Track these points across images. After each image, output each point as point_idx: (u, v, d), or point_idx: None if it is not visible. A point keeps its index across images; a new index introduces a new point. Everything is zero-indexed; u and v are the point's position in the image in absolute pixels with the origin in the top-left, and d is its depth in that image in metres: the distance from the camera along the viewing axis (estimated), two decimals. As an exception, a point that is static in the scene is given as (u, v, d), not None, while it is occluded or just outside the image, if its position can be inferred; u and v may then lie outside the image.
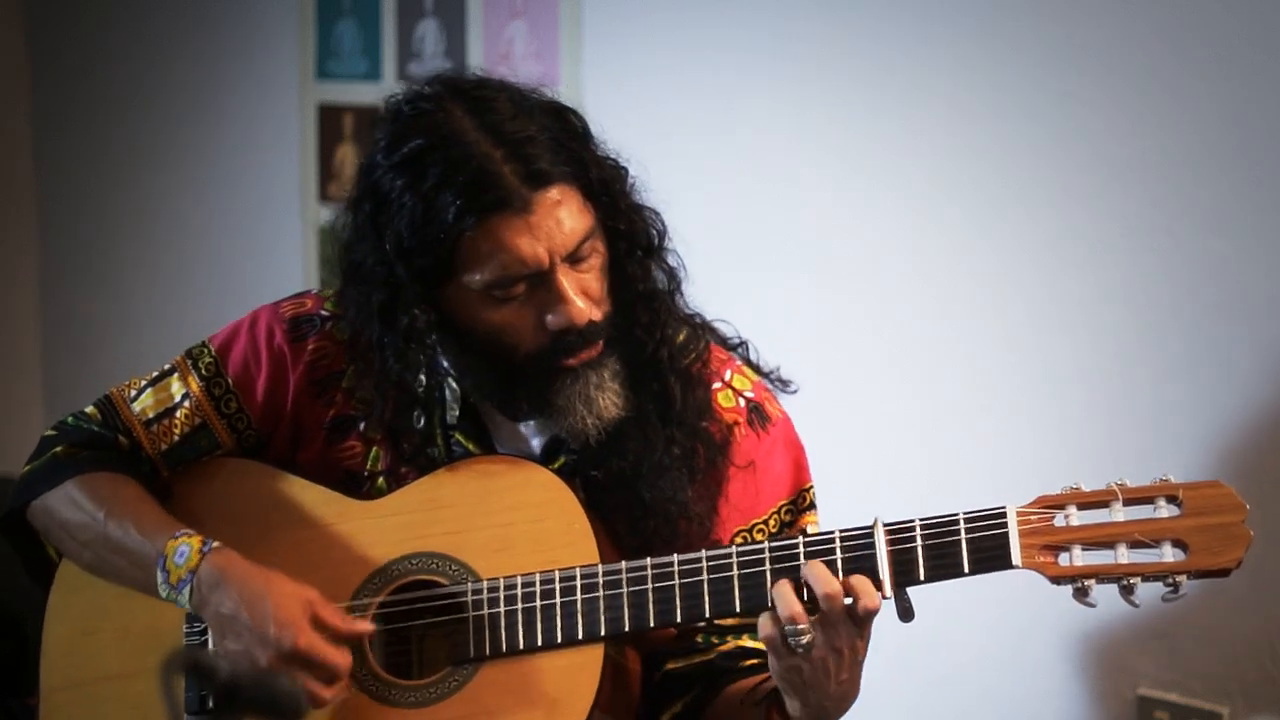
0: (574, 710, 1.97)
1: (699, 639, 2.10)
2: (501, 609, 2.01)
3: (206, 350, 2.19)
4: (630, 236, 2.05)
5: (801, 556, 1.93)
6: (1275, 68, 2.68)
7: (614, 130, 2.08)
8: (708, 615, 1.97)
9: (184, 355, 2.20)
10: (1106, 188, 2.85)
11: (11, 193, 4.47)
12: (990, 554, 1.89)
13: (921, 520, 1.92)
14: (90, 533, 2.12)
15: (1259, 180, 2.71)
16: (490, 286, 1.97)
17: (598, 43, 3.44)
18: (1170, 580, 1.85)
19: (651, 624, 1.98)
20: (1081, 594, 1.87)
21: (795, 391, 2.16)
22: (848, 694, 1.96)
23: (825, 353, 3.12)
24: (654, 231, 2.09)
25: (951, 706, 3.08)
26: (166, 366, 2.21)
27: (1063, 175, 2.90)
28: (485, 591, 2.02)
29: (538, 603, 2.00)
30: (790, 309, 3.19)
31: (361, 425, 2.14)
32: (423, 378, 2.07)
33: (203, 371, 2.18)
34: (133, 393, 2.21)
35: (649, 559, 1.99)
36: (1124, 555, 1.86)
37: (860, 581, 1.89)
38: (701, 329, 2.15)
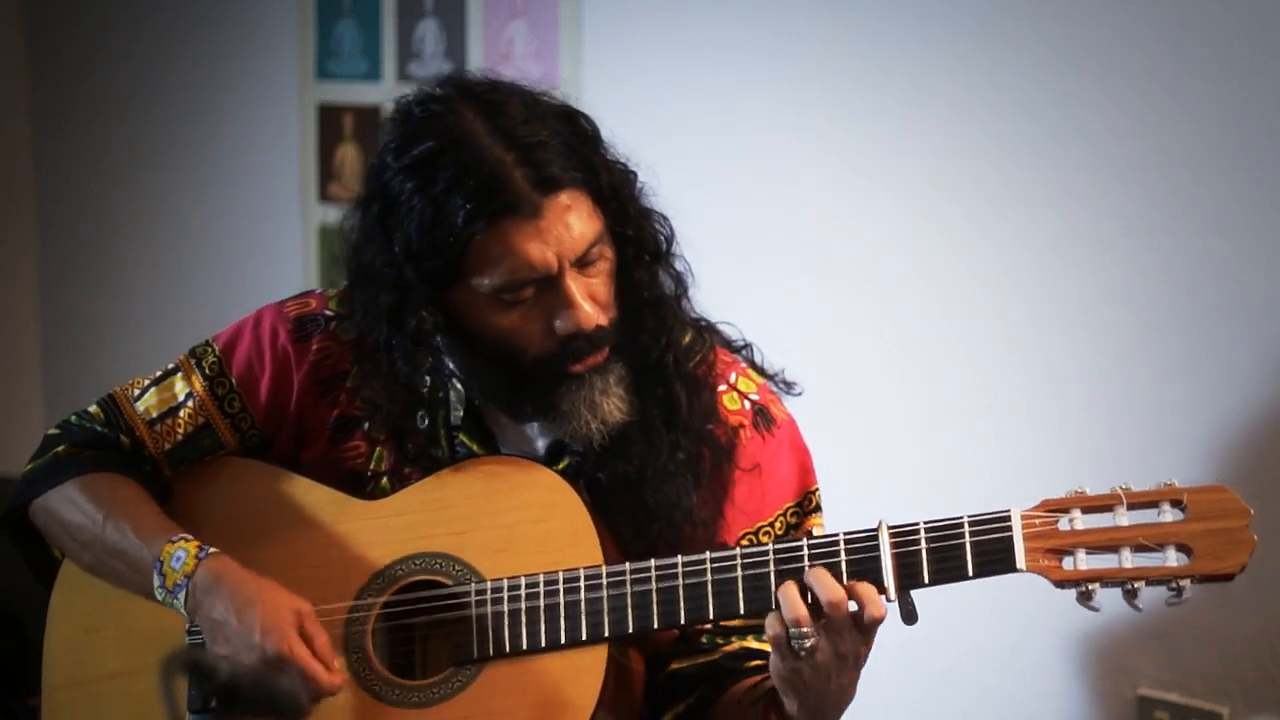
0: (578, 711, 1.97)
1: (703, 639, 2.10)
2: (505, 609, 2.01)
3: (210, 350, 2.19)
4: (638, 242, 2.05)
5: (806, 559, 1.93)
6: (1275, 68, 2.68)
7: (614, 130, 2.08)
8: (711, 617, 1.97)
9: (187, 355, 2.20)
10: (1106, 188, 2.85)
11: (11, 193, 4.47)
12: (995, 557, 1.89)
13: (926, 523, 1.92)
14: (89, 534, 2.12)
15: (1259, 180, 2.72)
16: (499, 290, 1.97)
17: (598, 43, 3.44)
18: (1174, 585, 1.85)
19: (655, 625, 1.98)
20: (1085, 598, 1.87)
21: (800, 394, 2.16)
22: (846, 695, 1.96)
23: (825, 353, 3.12)
24: (662, 237, 2.09)
25: (951, 705, 3.08)
26: (170, 366, 2.21)
27: (1063, 175, 2.90)
28: (489, 592, 2.02)
29: (541, 603, 2.00)
30: (790, 309, 3.19)
31: (365, 425, 2.14)
32: (428, 379, 2.07)
33: (206, 371, 2.18)
34: (136, 392, 2.21)
35: (652, 560, 1.99)
36: (1128, 560, 1.86)
37: (866, 589, 1.89)
38: (706, 331, 2.15)
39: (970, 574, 1.90)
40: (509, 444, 2.13)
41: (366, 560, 2.08)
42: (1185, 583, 1.85)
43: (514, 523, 2.04)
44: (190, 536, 2.06)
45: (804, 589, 1.90)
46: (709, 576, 1.96)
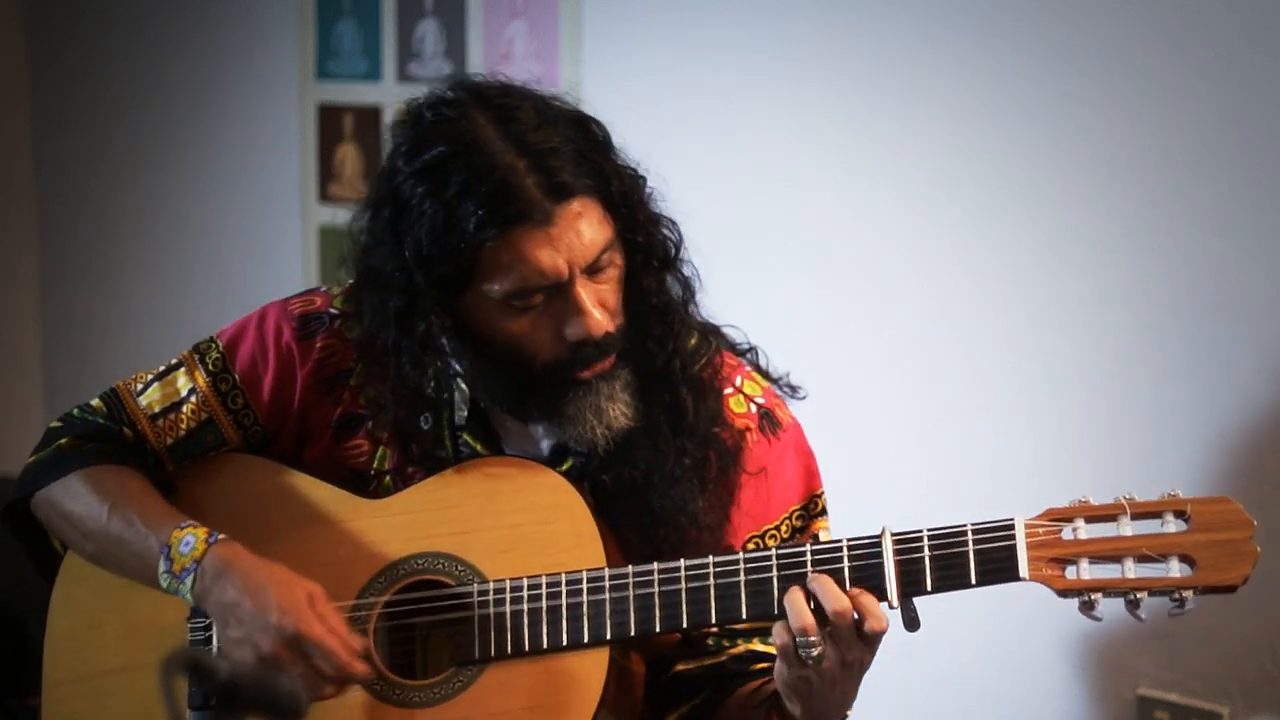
0: (579, 713, 1.97)
1: (710, 641, 2.10)
2: (508, 610, 2.01)
3: (214, 346, 2.19)
4: (648, 249, 2.05)
5: (809, 564, 1.93)
6: (1275, 68, 2.68)
7: (614, 130, 2.08)
8: (714, 621, 1.97)
9: (191, 350, 2.20)
10: (1106, 188, 2.85)
11: (11, 193, 4.47)
12: (998, 566, 1.89)
13: (929, 530, 1.92)
14: (93, 524, 2.11)
15: (1259, 180, 2.72)
16: (509, 296, 1.97)
17: (598, 43, 3.44)
18: (1176, 596, 1.85)
19: (657, 629, 1.98)
20: (1088, 607, 1.87)
21: (804, 398, 2.16)
22: (848, 698, 1.97)
23: (825, 353, 3.12)
24: (671, 243, 2.08)
25: (952, 706, 3.08)
26: (173, 361, 2.21)
27: (1063, 175, 2.90)
28: (491, 592, 2.02)
29: (544, 605, 2.00)
30: (790, 309, 3.19)
31: (369, 424, 2.14)
32: (433, 381, 2.07)
33: (210, 367, 2.18)
34: (139, 386, 2.20)
35: (655, 564, 1.99)
36: (1131, 570, 1.87)
37: (868, 601, 1.89)
38: (712, 334, 2.15)
39: (973, 582, 1.90)
40: (513, 444, 2.13)
41: (369, 559, 2.08)
42: (1188, 594, 1.85)
43: (518, 524, 2.04)
44: (198, 523, 2.06)
45: (809, 596, 1.90)
46: (711, 580, 1.96)
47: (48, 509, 2.17)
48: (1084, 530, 1.88)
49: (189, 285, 4.23)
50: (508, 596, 2.02)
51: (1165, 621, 2.78)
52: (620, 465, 2.05)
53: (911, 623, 1.92)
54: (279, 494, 2.15)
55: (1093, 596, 1.87)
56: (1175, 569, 1.86)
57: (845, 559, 1.92)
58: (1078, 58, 2.86)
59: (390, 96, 3.74)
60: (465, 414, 2.11)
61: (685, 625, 1.98)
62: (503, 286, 1.96)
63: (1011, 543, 1.89)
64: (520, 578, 2.02)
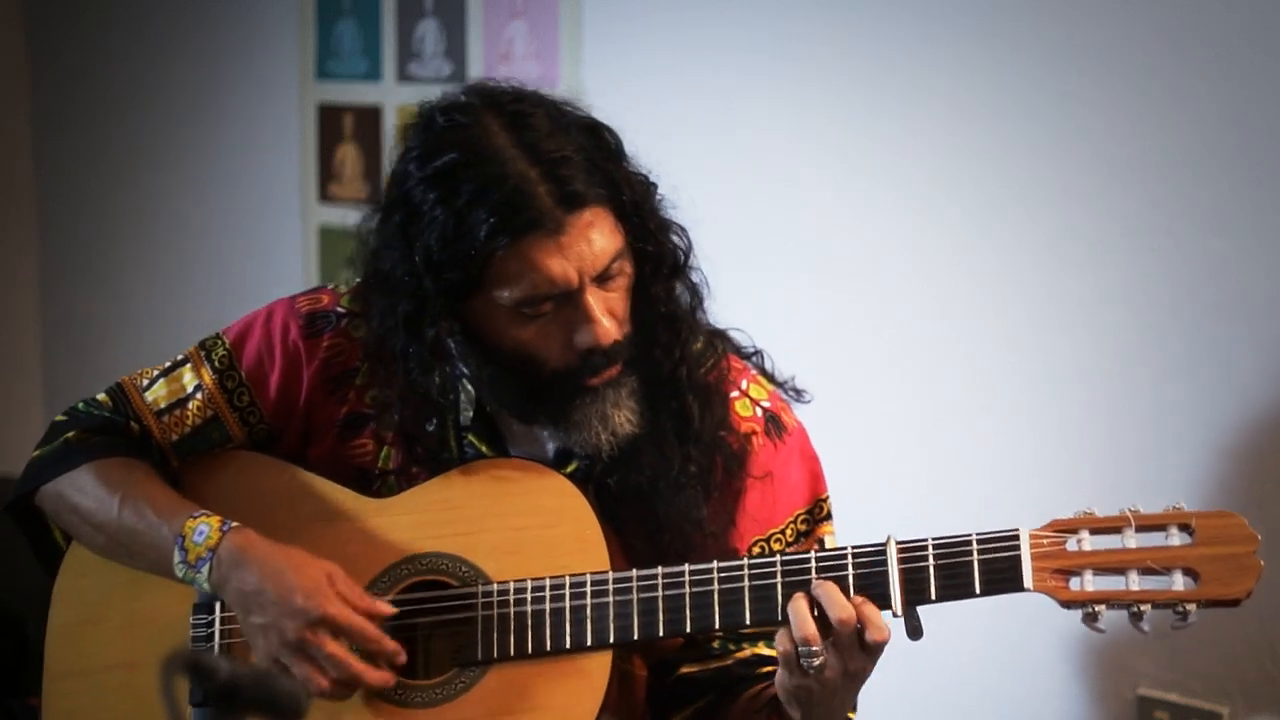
0: (581, 716, 1.97)
1: (715, 644, 2.10)
2: (511, 612, 2.01)
3: (221, 343, 2.19)
4: (657, 257, 2.05)
5: (813, 571, 1.93)
6: (1275, 68, 2.68)
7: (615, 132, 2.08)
8: (717, 626, 1.97)
9: (197, 346, 2.20)
10: (1106, 188, 2.85)
11: (11, 193, 4.47)
12: (1002, 576, 1.89)
13: (934, 540, 1.92)
14: (104, 516, 2.11)
15: (1259, 180, 2.72)
16: (519, 304, 1.96)
17: (598, 43, 3.44)
18: (1179, 609, 1.85)
19: (661, 633, 1.98)
20: (1091, 619, 1.87)
21: (810, 401, 2.16)
22: (848, 704, 1.99)
23: (825, 353, 3.12)
24: (680, 251, 2.08)
25: (951, 706, 3.08)
26: (179, 357, 2.21)
27: (1063, 175, 2.90)
28: (495, 594, 2.02)
29: (547, 607, 2.00)
30: (790, 309, 3.19)
31: (374, 424, 2.14)
32: (439, 383, 2.07)
33: (216, 364, 2.18)
34: (144, 382, 2.20)
35: (660, 568, 1.98)
36: (1135, 582, 1.86)
37: (870, 611, 1.89)
38: (719, 338, 2.15)
39: (977, 592, 1.90)
40: (518, 445, 2.13)
41: (372, 558, 2.08)
42: (1190, 607, 1.85)
43: (522, 526, 2.04)
44: (210, 513, 2.06)
45: (812, 603, 1.90)
46: (715, 585, 1.96)
47: (55, 502, 2.16)
48: (1088, 542, 1.88)
49: (189, 285, 4.23)
50: (511, 598, 2.01)
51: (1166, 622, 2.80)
52: (625, 470, 2.05)
53: (914, 631, 1.92)
54: (283, 492, 2.14)
55: (1096, 608, 1.87)
56: (1179, 582, 1.86)
57: (850, 566, 1.92)
58: (1078, 58, 2.86)
59: (390, 96, 3.74)
60: (470, 415, 2.11)
61: (689, 630, 1.98)
62: (513, 294, 1.96)
63: (1016, 553, 1.89)
64: (524, 579, 2.02)
